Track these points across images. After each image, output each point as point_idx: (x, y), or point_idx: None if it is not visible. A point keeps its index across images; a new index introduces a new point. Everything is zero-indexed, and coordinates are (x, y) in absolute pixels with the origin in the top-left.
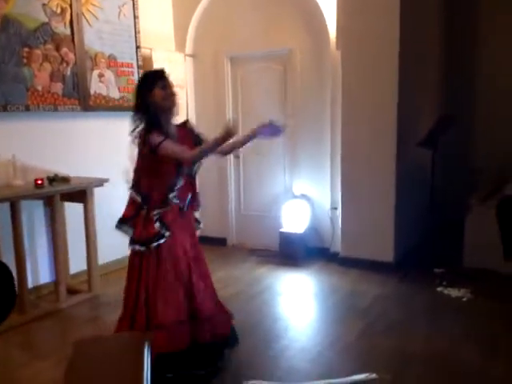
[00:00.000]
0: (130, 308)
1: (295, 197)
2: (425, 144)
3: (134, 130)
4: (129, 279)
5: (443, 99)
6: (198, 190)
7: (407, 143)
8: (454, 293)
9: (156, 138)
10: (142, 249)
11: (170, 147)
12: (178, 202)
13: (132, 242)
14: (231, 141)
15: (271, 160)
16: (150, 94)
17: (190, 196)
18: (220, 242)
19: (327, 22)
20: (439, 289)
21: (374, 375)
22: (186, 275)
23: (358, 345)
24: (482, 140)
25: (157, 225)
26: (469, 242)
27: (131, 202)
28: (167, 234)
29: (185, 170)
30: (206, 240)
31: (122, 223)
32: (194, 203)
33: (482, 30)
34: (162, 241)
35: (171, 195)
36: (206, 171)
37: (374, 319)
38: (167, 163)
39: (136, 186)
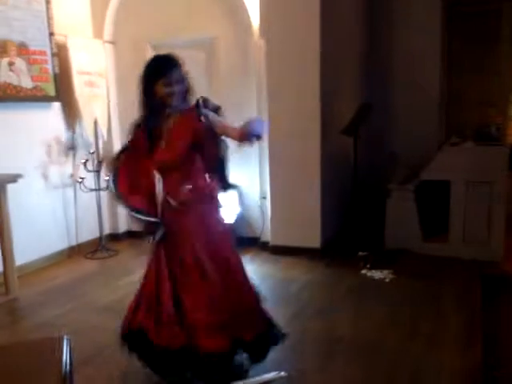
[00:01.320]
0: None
1: None
2: (347, 132)
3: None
4: None
5: (363, 89)
6: None
7: (331, 131)
8: (376, 275)
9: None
10: None
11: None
12: None
13: None
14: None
15: None
16: (152, 91)
17: None
18: None
19: (250, 11)
20: (363, 271)
21: (282, 373)
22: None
23: (289, 331)
24: (399, 128)
25: None
26: (389, 225)
27: None
28: None
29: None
30: (134, 235)
31: None
32: None
33: (398, 24)
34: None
35: None
36: None
37: (303, 304)
38: None
39: None
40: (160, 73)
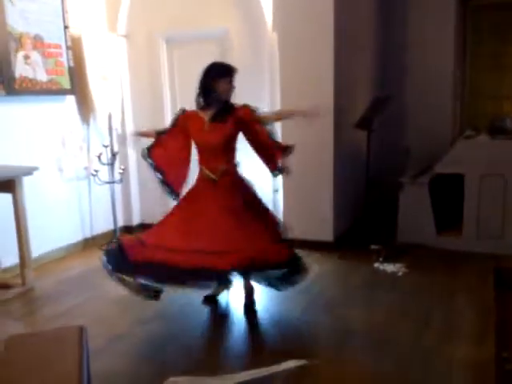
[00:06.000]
0: None
1: None
2: (360, 125)
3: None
4: None
5: (377, 82)
6: None
7: (344, 124)
8: (389, 268)
9: None
10: None
11: None
12: None
13: None
14: None
15: None
16: (215, 83)
17: None
18: None
19: (262, 3)
20: (376, 265)
21: (303, 361)
22: None
23: (301, 322)
24: (413, 121)
25: None
26: (402, 219)
27: None
28: None
29: None
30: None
31: None
32: None
33: (413, 17)
34: None
35: None
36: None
37: (315, 296)
38: None
39: None
40: (228, 71)
